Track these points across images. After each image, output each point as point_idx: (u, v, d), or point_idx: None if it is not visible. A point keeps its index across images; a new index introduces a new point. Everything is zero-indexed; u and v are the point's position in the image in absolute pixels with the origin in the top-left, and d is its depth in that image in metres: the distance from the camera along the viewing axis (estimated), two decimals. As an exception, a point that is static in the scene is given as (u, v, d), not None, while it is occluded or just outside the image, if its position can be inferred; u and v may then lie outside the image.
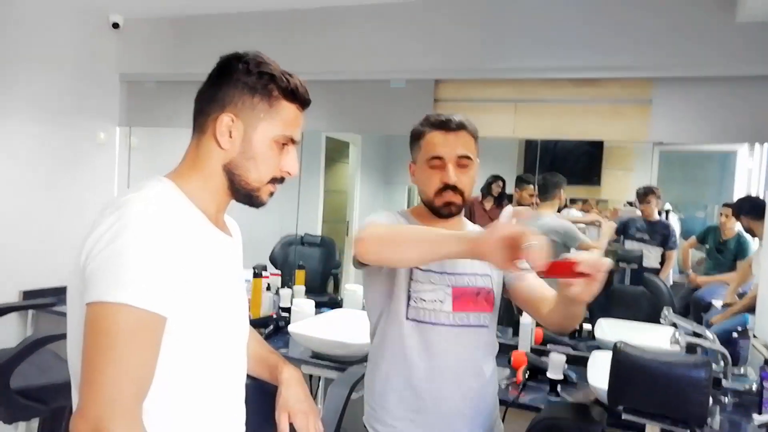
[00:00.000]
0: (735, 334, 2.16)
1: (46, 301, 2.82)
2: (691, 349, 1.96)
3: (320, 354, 2.27)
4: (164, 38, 3.14)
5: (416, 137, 1.44)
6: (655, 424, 1.09)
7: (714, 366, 2.00)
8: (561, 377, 1.98)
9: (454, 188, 1.37)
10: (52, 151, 2.99)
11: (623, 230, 3.37)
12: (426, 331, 1.38)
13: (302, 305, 2.56)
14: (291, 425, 1.15)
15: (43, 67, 2.92)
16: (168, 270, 0.86)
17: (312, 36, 2.80)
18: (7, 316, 2.79)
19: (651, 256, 3.13)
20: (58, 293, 2.91)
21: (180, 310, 0.88)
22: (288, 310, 2.70)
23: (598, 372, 1.96)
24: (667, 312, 2.20)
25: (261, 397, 1.20)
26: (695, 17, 2.14)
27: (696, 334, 2.08)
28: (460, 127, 1.38)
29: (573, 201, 3.34)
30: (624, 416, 1.11)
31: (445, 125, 1.38)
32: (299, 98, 1.02)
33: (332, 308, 2.73)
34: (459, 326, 1.40)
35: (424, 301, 1.38)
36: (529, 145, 3.64)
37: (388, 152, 4.36)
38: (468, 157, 1.38)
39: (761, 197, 3.26)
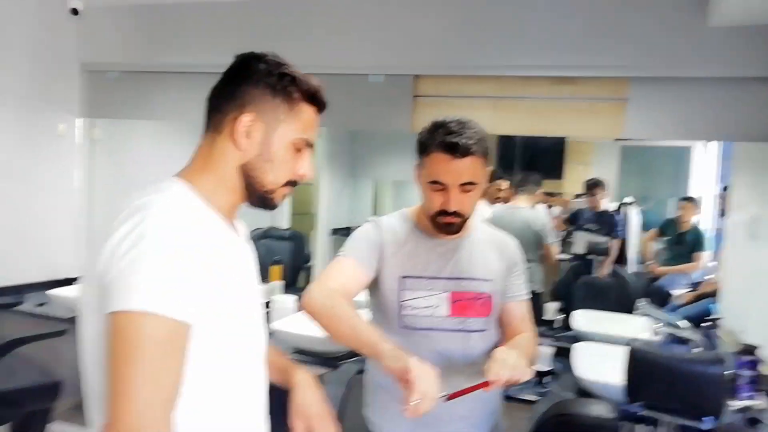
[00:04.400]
0: (704, 324, 2.26)
1: (7, 300, 2.67)
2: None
3: (305, 350, 2.25)
4: (129, 26, 2.98)
5: (422, 149, 1.36)
6: (672, 418, 1.14)
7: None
8: (549, 369, 2.03)
9: (455, 212, 1.34)
10: (7, 144, 2.80)
11: (573, 221, 3.49)
12: (419, 337, 1.40)
13: (283, 301, 2.52)
14: None
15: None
16: (192, 275, 0.83)
17: (289, 28, 2.73)
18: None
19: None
20: (19, 292, 2.76)
21: (203, 317, 0.86)
22: (265, 306, 2.65)
23: (585, 363, 2.03)
24: (642, 303, 2.28)
25: (272, 402, 1.18)
26: (670, 20, 2.22)
27: (670, 324, 2.17)
28: (467, 152, 1.28)
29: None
30: (643, 412, 1.16)
31: (451, 149, 1.28)
32: (318, 101, 1.01)
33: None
34: (455, 331, 1.41)
35: (417, 308, 1.40)
36: (500, 140, 3.72)
37: (353, 146, 4.31)
38: (472, 183, 1.32)
39: (716, 189, 3.45)
